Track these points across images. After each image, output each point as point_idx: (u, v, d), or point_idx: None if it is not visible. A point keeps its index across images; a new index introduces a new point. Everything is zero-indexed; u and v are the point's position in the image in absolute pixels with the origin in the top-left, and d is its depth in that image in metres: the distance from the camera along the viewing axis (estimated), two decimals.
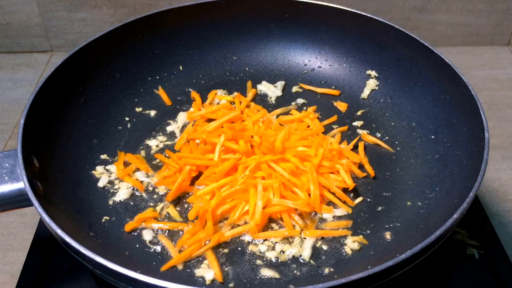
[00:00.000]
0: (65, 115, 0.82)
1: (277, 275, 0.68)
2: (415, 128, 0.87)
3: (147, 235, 0.73)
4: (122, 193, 0.78)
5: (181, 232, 0.73)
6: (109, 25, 0.90)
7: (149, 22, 0.93)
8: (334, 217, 0.75)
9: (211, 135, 0.82)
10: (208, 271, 0.68)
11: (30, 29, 1.25)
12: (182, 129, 0.90)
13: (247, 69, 1.02)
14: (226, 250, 0.71)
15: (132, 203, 0.78)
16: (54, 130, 0.79)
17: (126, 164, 0.82)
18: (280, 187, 0.75)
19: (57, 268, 0.75)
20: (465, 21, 1.29)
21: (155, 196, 0.79)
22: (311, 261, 0.70)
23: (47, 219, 0.60)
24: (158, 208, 0.77)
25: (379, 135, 0.89)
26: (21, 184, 0.64)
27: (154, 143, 0.87)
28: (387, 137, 0.88)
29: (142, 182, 0.80)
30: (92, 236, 0.71)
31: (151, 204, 0.78)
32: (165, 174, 0.80)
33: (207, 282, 0.67)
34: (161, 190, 0.79)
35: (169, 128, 0.90)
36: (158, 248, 0.71)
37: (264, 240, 0.72)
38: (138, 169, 0.82)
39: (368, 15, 0.92)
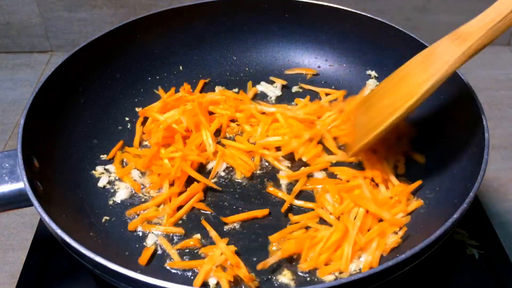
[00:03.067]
0: (65, 115, 0.82)
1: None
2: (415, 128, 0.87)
3: (149, 239, 0.73)
4: (122, 193, 0.78)
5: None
6: (109, 25, 0.90)
7: (149, 22, 0.93)
8: None
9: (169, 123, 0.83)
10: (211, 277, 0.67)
11: (30, 29, 1.25)
12: None
13: (247, 69, 1.02)
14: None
15: (132, 203, 0.78)
16: (54, 130, 0.79)
17: (124, 163, 0.83)
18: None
19: (57, 268, 0.75)
20: (465, 21, 1.28)
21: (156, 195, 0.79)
22: None
23: (47, 219, 0.60)
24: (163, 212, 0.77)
25: None
26: (21, 184, 0.64)
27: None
28: None
29: (141, 181, 0.81)
30: (92, 236, 0.71)
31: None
32: (155, 180, 0.79)
33: (212, 287, 0.67)
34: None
35: None
36: (159, 249, 0.72)
37: None
38: (135, 168, 0.82)
39: (368, 15, 0.92)
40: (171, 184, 0.78)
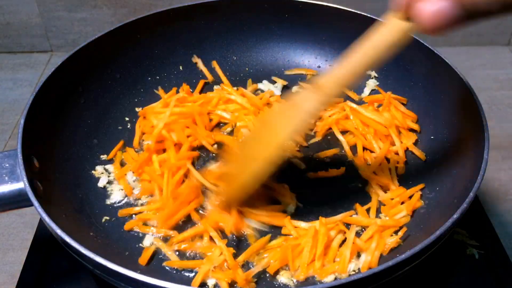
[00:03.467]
0: (65, 115, 0.82)
1: None
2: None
3: (146, 240, 0.72)
4: (116, 195, 0.78)
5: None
6: (109, 25, 0.90)
7: (149, 22, 0.93)
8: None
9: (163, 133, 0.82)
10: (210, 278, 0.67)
11: (30, 29, 1.25)
12: None
13: (247, 69, 1.01)
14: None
15: (128, 203, 0.78)
16: (54, 130, 0.79)
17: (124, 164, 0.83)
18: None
19: (57, 268, 0.75)
20: None
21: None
22: None
23: (47, 219, 0.60)
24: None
25: None
26: (21, 184, 0.64)
27: None
28: None
29: (134, 184, 0.80)
30: (92, 236, 0.71)
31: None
32: (146, 186, 0.78)
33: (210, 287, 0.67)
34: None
35: None
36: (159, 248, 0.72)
37: None
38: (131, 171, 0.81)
39: (368, 15, 0.92)
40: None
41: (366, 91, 0.96)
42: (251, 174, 0.67)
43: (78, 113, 0.85)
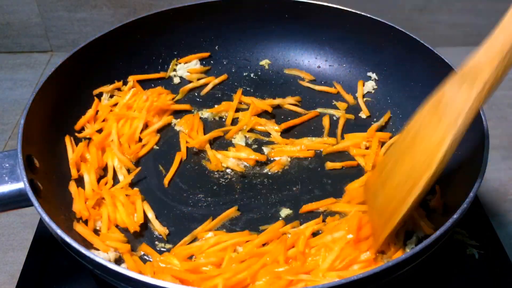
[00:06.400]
0: (65, 115, 0.82)
1: None
2: None
3: None
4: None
5: None
6: (109, 25, 0.90)
7: (149, 22, 0.93)
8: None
9: None
10: None
11: (30, 29, 1.25)
12: None
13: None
14: None
15: None
16: (54, 130, 0.79)
17: None
18: None
19: (57, 268, 0.75)
20: (465, 21, 1.29)
21: None
22: None
23: (47, 219, 0.60)
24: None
25: None
26: (21, 184, 0.64)
27: None
28: None
29: None
30: None
31: None
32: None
33: None
34: None
35: None
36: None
37: None
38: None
39: (368, 15, 0.92)
40: None
41: (360, 92, 0.95)
42: (403, 209, 0.57)
43: (78, 113, 0.85)
